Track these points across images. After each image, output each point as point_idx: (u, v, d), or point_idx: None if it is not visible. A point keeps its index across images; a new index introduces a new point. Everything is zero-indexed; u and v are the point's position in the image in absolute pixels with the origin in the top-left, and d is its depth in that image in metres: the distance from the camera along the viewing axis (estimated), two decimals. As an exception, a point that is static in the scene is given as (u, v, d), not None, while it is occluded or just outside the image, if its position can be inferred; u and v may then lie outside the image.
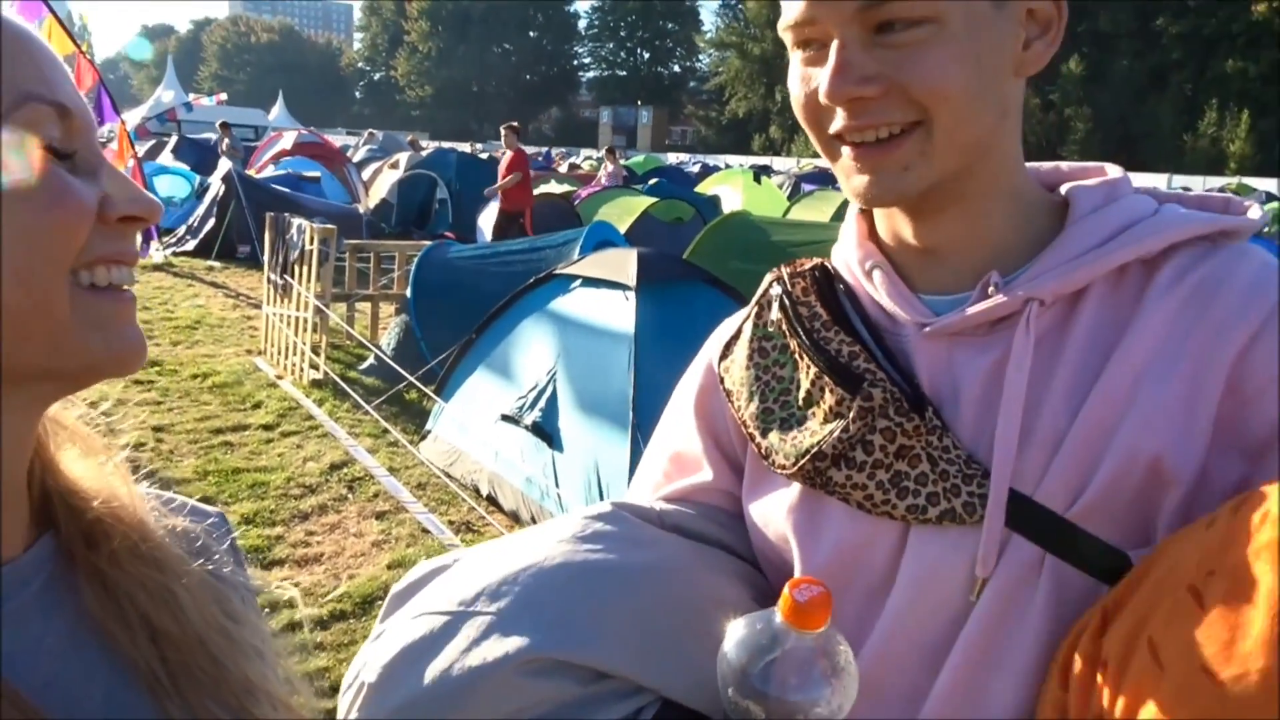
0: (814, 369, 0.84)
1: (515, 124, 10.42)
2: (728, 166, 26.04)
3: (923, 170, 0.75)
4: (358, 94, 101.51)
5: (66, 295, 0.56)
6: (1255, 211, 0.82)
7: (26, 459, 0.62)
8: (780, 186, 18.04)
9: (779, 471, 0.85)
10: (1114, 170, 0.86)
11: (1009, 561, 0.74)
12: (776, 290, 0.91)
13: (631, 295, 4.45)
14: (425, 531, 4.37)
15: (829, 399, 0.82)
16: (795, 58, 0.78)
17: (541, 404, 4.54)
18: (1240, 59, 47.16)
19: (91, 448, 0.69)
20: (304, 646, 3.39)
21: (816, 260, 0.93)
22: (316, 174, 14.36)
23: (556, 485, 4.24)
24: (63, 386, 0.61)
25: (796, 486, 0.85)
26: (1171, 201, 0.83)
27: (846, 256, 0.89)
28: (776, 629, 0.64)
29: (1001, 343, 0.78)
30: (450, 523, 4.49)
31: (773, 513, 0.87)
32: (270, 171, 14.66)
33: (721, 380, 0.93)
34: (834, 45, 0.73)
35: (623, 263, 4.68)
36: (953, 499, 0.76)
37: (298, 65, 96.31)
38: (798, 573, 0.85)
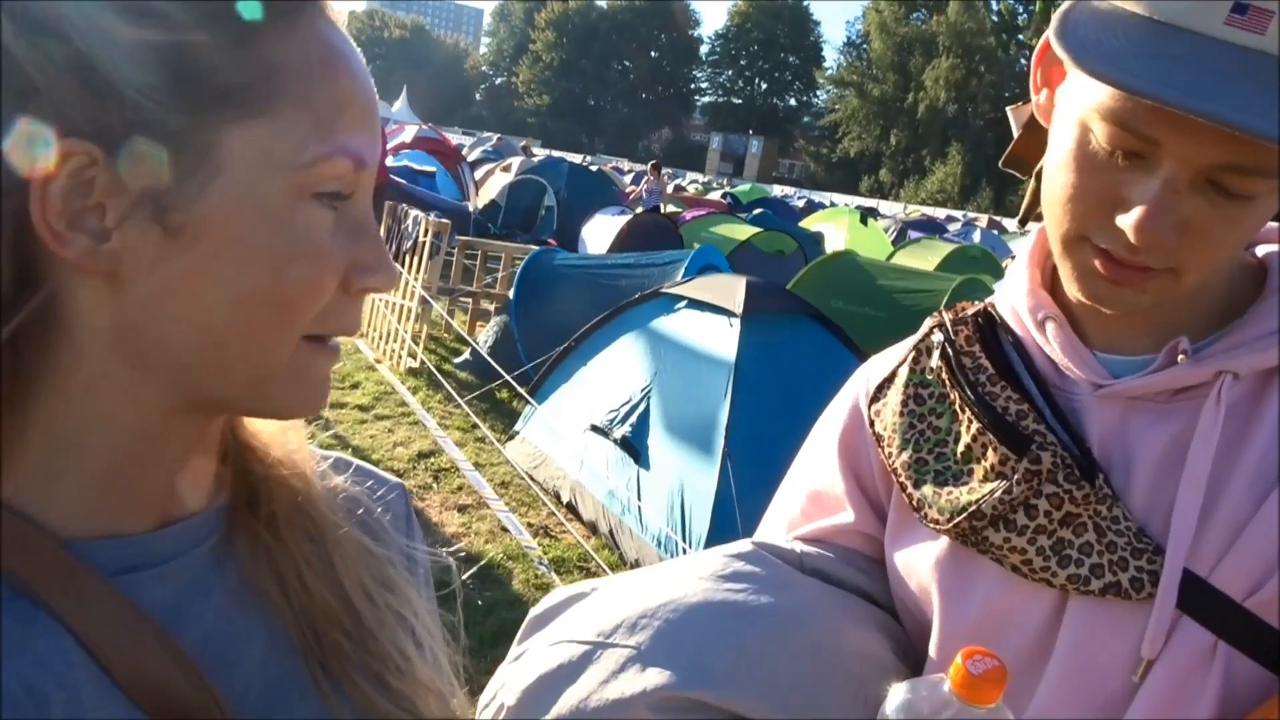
0: (976, 424, 0.81)
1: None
2: (833, 204, 25.86)
3: (1156, 296, 0.73)
4: (478, 96, 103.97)
5: (289, 353, 0.55)
6: None
7: (213, 430, 0.62)
8: (885, 230, 17.80)
9: (931, 526, 0.82)
10: None
11: (1178, 645, 0.71)
12: (938, 337, 0.88)
13: (736, 322, 4.44)
14: (504, 530, 4.42)
15: (991, 457, 0.79)
16: (1086, 141, 0.70)
17: (633, 419, 4.55)
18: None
19: None
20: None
21: (980, 305, 0.89)
22: (432, 169, 14.73)
23: (639, 501, 4.24)
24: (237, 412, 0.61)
25: (945, 540, 0.82)
26: None
27: (1015, 304, 0.85)
28: (944, 698, 0.62)
29: (1183, 413, 0.74)
30: (529, 525, 4.53)
31: (918, 564, 0.85)
32: (389, 162, 15.11)
33: (871, 424, 0.91)
34: (1162, 178, 0.67)
35: (731, 289, 4.67)
36: (1119, 572, 0.73)
37: (424, 62, 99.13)
38: (937, 629, 0.83)
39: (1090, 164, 0.71)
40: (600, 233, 11.44)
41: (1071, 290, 0.76)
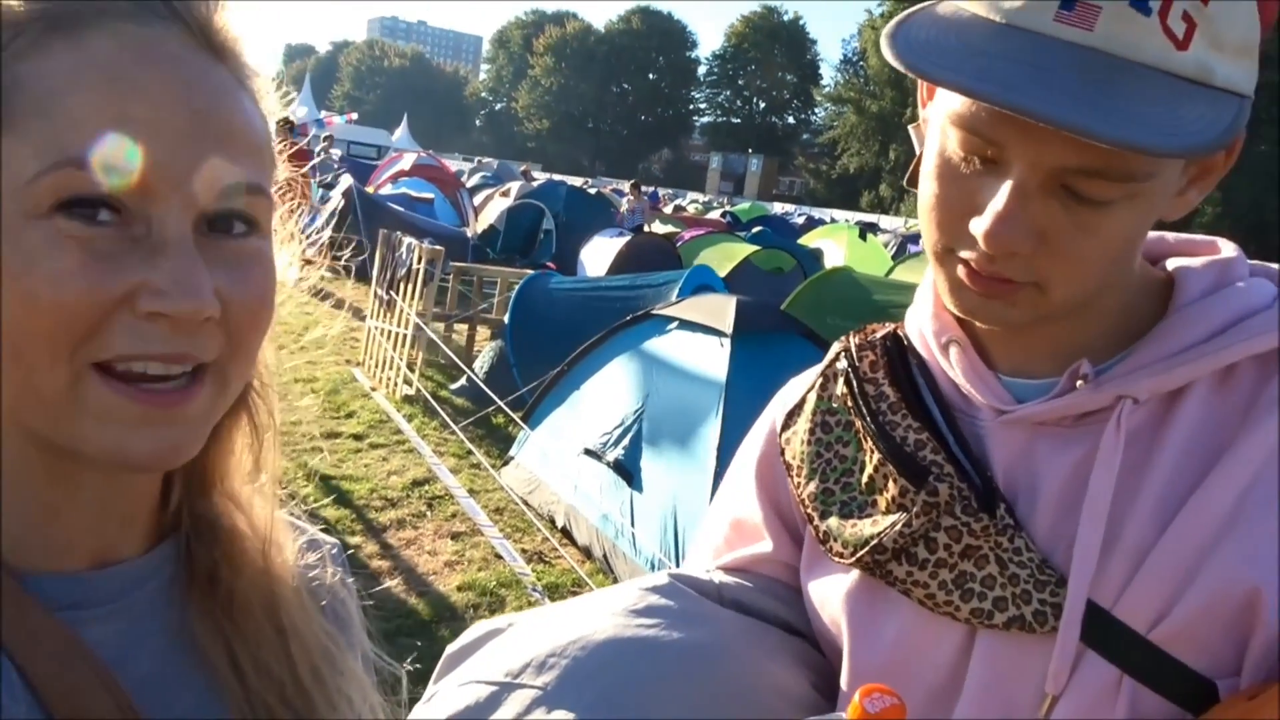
0: (878, 454, 0.78)
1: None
2: (833, 220, 25.91)
3: (1029, 314, 0.70)
4: (478, 122, 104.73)
5: (64, 378, 0.51)
6: None
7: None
8: (885, 245, 17.81)
9: (836, 560, 0.80)
10: (1227, 248, 0.77)
11: (1083, 680, 0.68)
12: (843, 364, 0.85)
13: (727, 342, 4.41)
14: (498, 557, 4.38)
15: (892, 488, 0.77)
16: (947, 148, 0.68)
17: (625, 442, 4.52)
18: (1388, 152, 44.78)
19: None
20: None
21: (890, 328, 0.87)
22: (430, 195, 14.79)
23: (632, 525, 4.20)
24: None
25: (856, 572, 0.80)
26: None
27: (921, 326, 0.83)
28: None
29: (1088, 438, 0.71)
30: (524, 551, 4.49)
31: (829, 596, 0.82)
32: (388, 190, 15.17)
33: (782, 451, 0.88)
34: (1009, 184, 0.64)
35: (721, 309, 4.65)
36: (1022, 606, 0.70)
37: (424, 91, 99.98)
38: (846, 663, 0.80)
39: (949, 173, 0.69)
40: (599, 255, 11.46)
41: (948, 304, 0.74)
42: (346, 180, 12.57)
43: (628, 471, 4.40)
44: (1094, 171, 0.62)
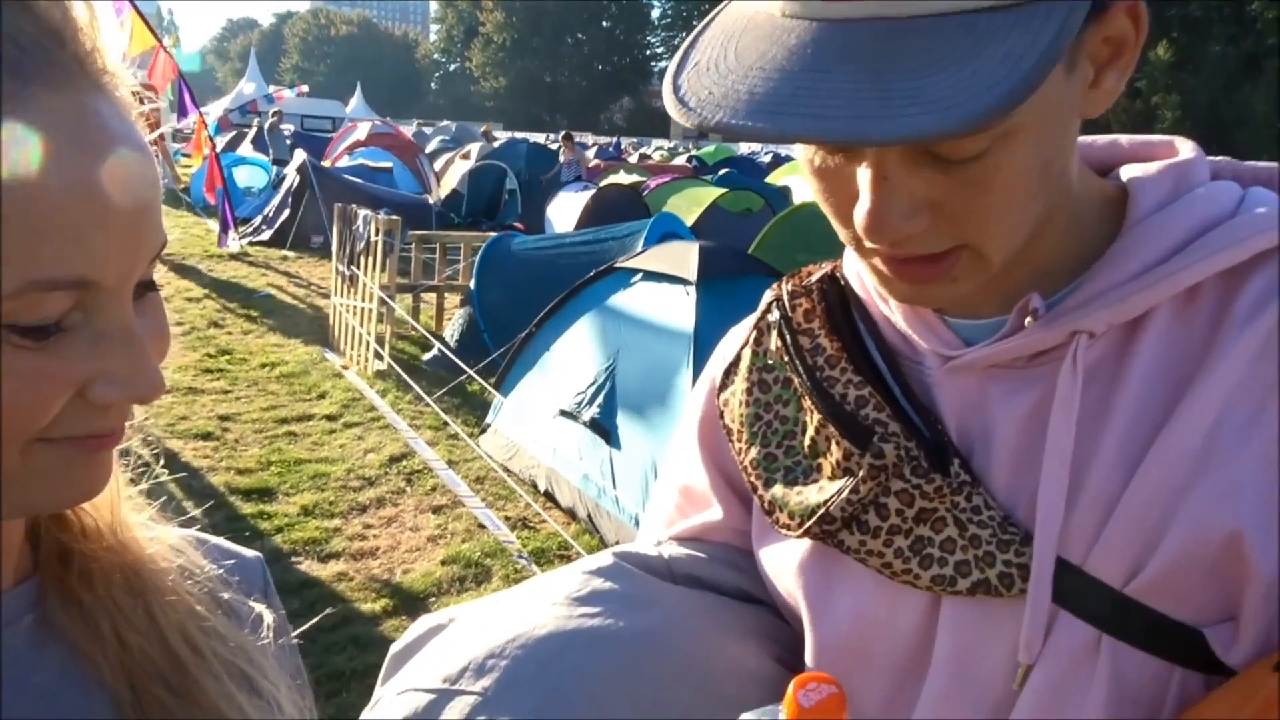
0: (818, 415, 0.71)
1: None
2: (800, 156, 25.57)
3: (976, 276, 0.61)
4: (433, 85, 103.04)
5: (18, 458, 0.50)
6: None
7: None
8: (853, 177, 17.62)
9: (783, 531, 0.74)
10: (1185, 147, 0.69)
11: (1058, 644, 0.62)
12: (775, 315, 0.77)
13: (692, 290, 4.34)
14: (481, 527, 4.34)
15: (836, 451, 0.70)
16: (805, 153, 0.62)
17: (600, 400, 4.46)
18: (1344, 42, 44.76)
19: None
20: (356, 641, 3.38)
21: (826, 268, 0.78)
22: (388, 164, 14.52)
23: (614, 484, 4.16)
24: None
25: (808, 540, 0.73)
26: (1260, 184, 0.66)
27: (858, 266, 0.74)
28: None
29: (1044, 379, 0.64)
30: (507, 519, 4.44)
31: (782, 568, 0.76)
32: (345, 162, 14.89)
33: (721, 414, 0.81)
34: (866, 175, 0.57)
35: (684, 256, 4.57)
36: (986, 569, 0.63)
37: (375, 58, 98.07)
38: (809, 640, 0.74)
39: (817, 170, 0.61)
40: (565, 211, 11.30)
41: (885, 294, 0.66)
42: (300, 156, 12.32)
43: (604, 429, 4.35)
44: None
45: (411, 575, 3.87)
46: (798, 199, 11.68)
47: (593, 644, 0.70)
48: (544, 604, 0.74)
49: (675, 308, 4.39)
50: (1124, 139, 0.72)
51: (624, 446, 4.23)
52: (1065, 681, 0.61)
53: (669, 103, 0.57)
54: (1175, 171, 0.66)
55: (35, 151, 0.45)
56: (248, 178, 13.65)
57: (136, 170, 0.49)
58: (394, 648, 0.79)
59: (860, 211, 0.58)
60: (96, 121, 0.48)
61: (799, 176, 15.13)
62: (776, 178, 15.93)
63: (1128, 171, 0.69)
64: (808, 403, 0.73)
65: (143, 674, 0.60)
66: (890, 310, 0.71)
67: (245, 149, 16.99)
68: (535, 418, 4.83)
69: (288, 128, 19.09)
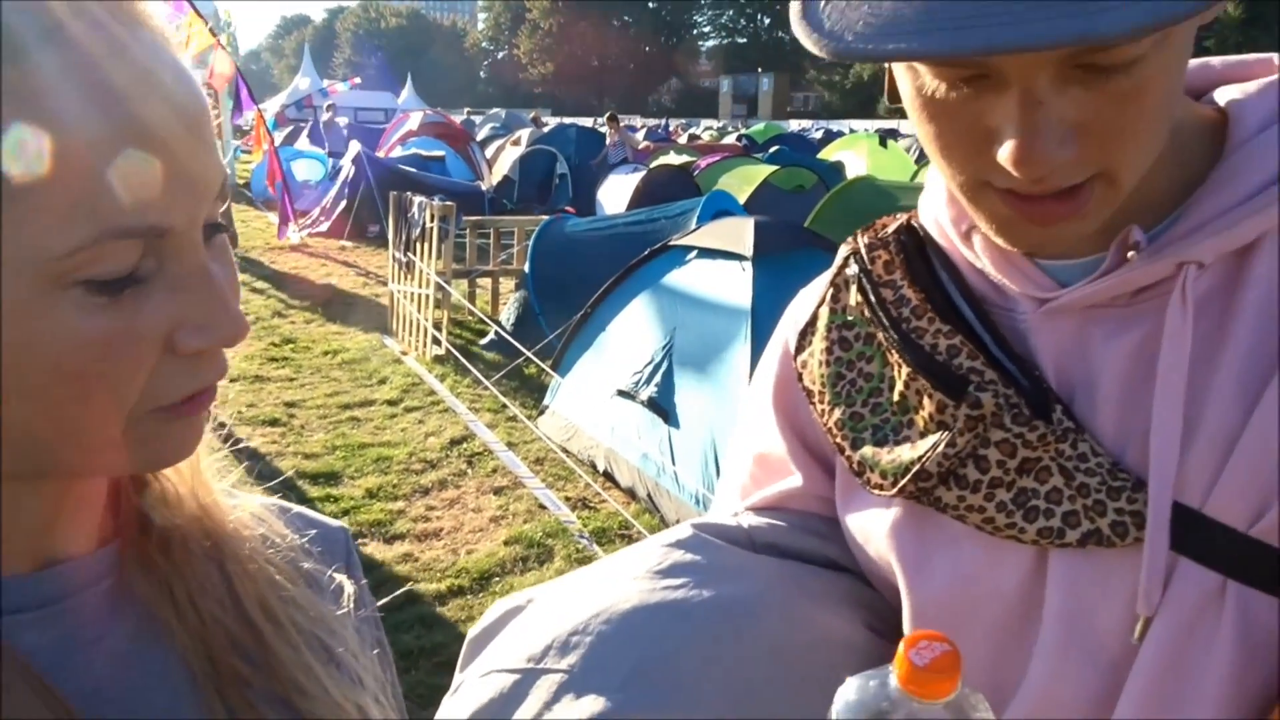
0: (906, 368, 0.68)
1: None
2: (851, 131, 25.31)
3: (1102, 212, 0.58)
4: (482, 74, 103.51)
5: (117, 430, 0.50)
6: None
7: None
8: (908, 150, 17.35)
9: (876, 492, 0.71)
10: None
11: (1179, 593, 0.59)
12: (853, 269, 0.74)
13: (748, 266, 4.30)
14: (542, 508, 4.37)
15: (928, 405, 0.67)
16: (922, 81, 0.57)
17: (657, 379, 4.45)
18: None
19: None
20: (423, 620, 3.43)
21: (902, 219, 0.75)
22: (441, 153, 14.63)
23: (673, 462, 4.16)
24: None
25: (900, 501, 0.70)
26: None
27: (937, 214, 0.71)
28: (894, 695, 0.51)
29: (1148, 315, 0.61)
30: (567, 499, 4.47)
31: (872, 530, 0.73)
32: (398, 152, 15.04)
33: (800, 376, 0.78)
34: (1016, 96, 0.53)
35: (739, 232, 4.53)
36: (1097, 518, 0.61)
37: (425, 48, 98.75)
38: (906, 604, 0.71)
39: (939, 108, 0.57)
40: (616, 193, 11.29)
41: (1000, 243, 0.63)
42: (355, 147, 12.47)
43: (662, 409, 4.34)
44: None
45: (475, 555, 3.91)
46: (851, 174, 11.51)
47: (679, 616, 0.68)
48: (625, 579, 0.72)
49: (732, 284, 4.35)
50: (1215, 61, 0.69)
51: (682, 425, 4.22)
52: (1188, 632, 0.59)
53: (800, 32, 0.54)
54: (1277, 90, 0.62)
55: (45, 146, 0.44)
56: (305, 171, 13.86)
57: (185, 104, 0.49)
58: (471, 633, 0.78)
59: (1008, 144, 0.54)
60: (141, 60, 0.47)
61: (852, 152, 14.97)
62: (829, 153, 15.72)
63: (1224, 94, 0.65)
64: (894, 356, 0.70)
65: (219, 642, 0.60)
66: (976, 256, 0.68)
67: (302, 143, 17.25)
68: (593, 398, 4.84)
69: (343, 119, 19.33)
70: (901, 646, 0.51)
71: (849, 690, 0.55)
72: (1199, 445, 0.58)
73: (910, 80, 0.58)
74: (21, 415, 0.49)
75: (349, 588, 0.71)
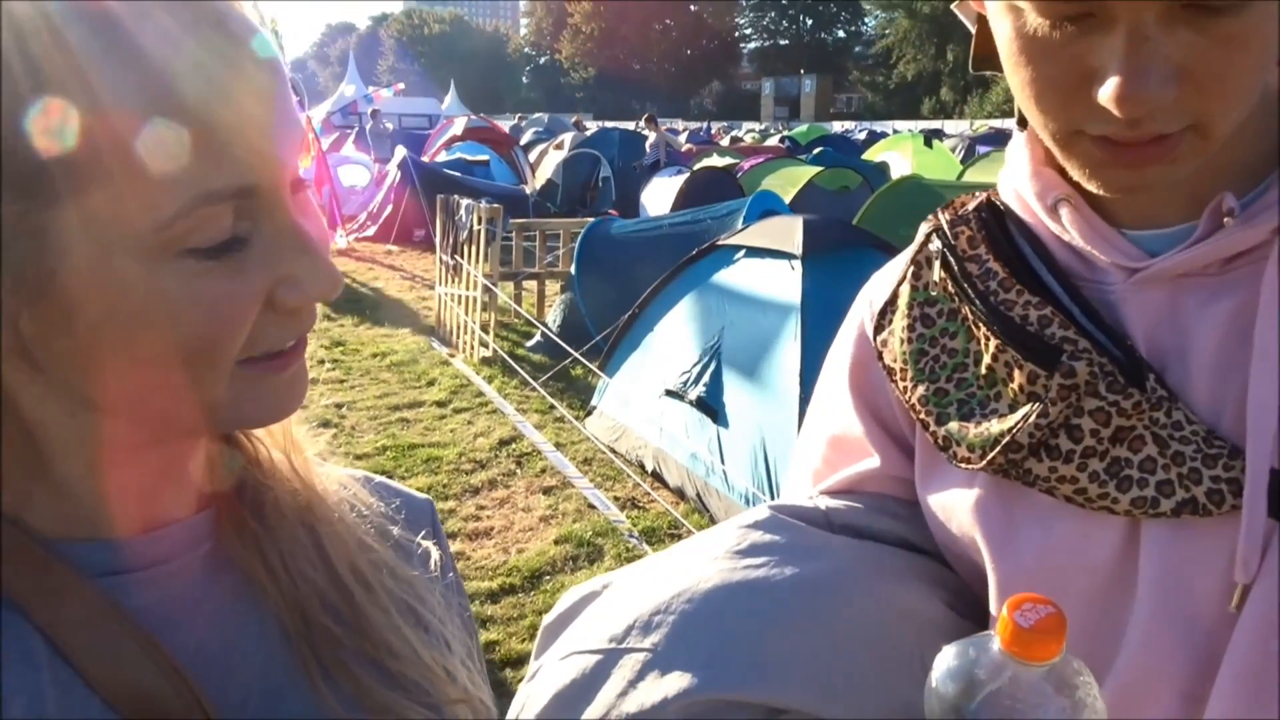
0: (995, 341, 0.68)
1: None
2: (895, 132, 25.09)
3: (1191, 161, 0.59)
4: (524, 79, 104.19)
5: (222, 385, 0.53)
6: None
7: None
8: (953, 150, 17.16)
9: (963, 466, 0.70)
10: None
11: (1277, 562, 0.58)
12: (936, 244, 0.75)
13: (798, 264, 4.28)
14: (591, 507, 4.38)
15: (1019, 376, 0.67)
16: (1024, 23, 0.58)
17: (706, 379, 4.44)
18: None
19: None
20: (476, 618, 3.45)
21: (982, 197, 0.75)
22: (485, 158, 14.75)
23: (722, 461, 4.14)
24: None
25: (983, 476, 0.70)
26: None
27: (1020, 189, 0.71)
28: (996, 659, 0.51)
29: (1242, 285, 0.61)
30: (616, 499, 4.47)
31: (956, 507, 0.73)
32: (443, 157, 15.19)
33: (880, 355, 0.78)
34: (1123, 31, 0.53)
35: (788, 231, 4.51)
36: (1193, 486, 0.60)
37: (468, 53, 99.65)
38: (992, 580, 0.70)
39: (1039, 50, 0.57)
40: (660, 195, 11.29)
41: (1092, 188, 0.62)
42: (401, 152, 12.61)
43: (711, 408, 4.33)
44: None
45: (526, 554, 3.93)
46: (896, 174, 11.40)
47: (761, 593, 0.68)
48: (704, 560, 0.72)
49: (781, 282, 4.33)
50: None
51: (731, 424, 4.21)
52: None
53: None
54: None
55: (73, 124, 0.45)
56: (351, 176, 14.05)
57: (267, 65, 0.50)
58: (546, 619, 0.78)
59: (1114, 82, 0.54)
60: (226, 26, 0.48)
61: (896, 153, 14.84)
62: (873, 154, 15.60)
63: None
64: (981, 330, 0.70)
65: (312, 604, 0.61)
66: (1064, 228, 0.68)
67: (348, 149, 17.49)
68: (640, 398, 4.84)
69: (389, 125, 19.57)
70: (1005, 608, 0.50)
71: (947, 657, 0.54)
72: None
73: (1011, 21, 0.58)
74: (137, 384, 0.51)
75: (435, 554, 0.72)
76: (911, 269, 0.77)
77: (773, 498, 3.75)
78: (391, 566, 0.67)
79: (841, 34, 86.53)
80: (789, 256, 4.37)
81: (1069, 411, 0.64)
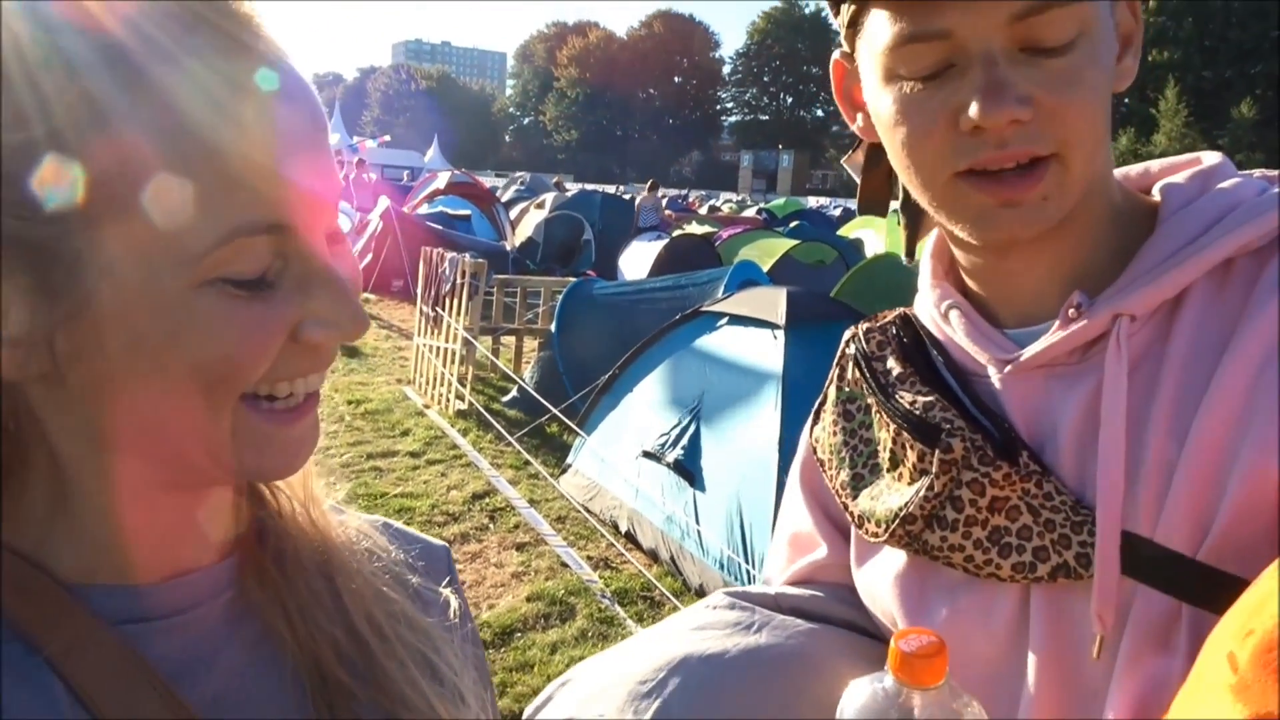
0: (892, 425, 0.78)
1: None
2: (871, 210, 25.48)
3: (1060, 202, 0.67)
4: (508, 138, 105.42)
5: (229, 417, 0.53)
6: None
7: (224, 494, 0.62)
8: (926, 231, 17.50)
9: (873, 540, 0.79)
10: (1210, 157, 0.75)
11: (1139, 617, 0.64)
12: (852, 349, 0.86)
13: (780, 334, 4.36)
14: (564, 565, 4.36)
15: (911, 456, 0.76)
16: (901, 90, 0.68)
17: (684, 442, 4.48)
18: None
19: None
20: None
21: (899, 311, 0.87)
22: (467, 212, 14.88)
23: (697, 524, 4.16)
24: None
25: (900, 555, 0.78)
26: None
27: (922, 298, 0.83)
28: (893, 688, 0.58)
29: (1096, 370, 0.69)
30: (589, 558, 4.46)
31: (878, 585, 0.81)
32: (425, 209, 15.30)
33: (814, 450, 0.88)
34: (977, 63, 0.64)
35: (772, 301, 4.60)
36: (1063, 551, 0.68)
37: (453, 110, 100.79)
38: None
39: (914, 107, 0.68)
40: (637, 260, 11.44)
41: (978, 238, 0.71)
42: (384, 202, 12.70)
43: (688, 471, 4.36)
44: (1042, 5, 0.62)
45: (497, 610, 3.90)
46: (870, 251, 11.64)
47: (708, 661, 0.75)
48: (658, 638, 0.80)
49: (763, 351, 4.40)
50: (1155, 164, 0.80)
51: (708, 488, 4.23)
52: (1150, 654, 0.63)
53: None
54: (1202, 174, 0.73)
55: (78, 183, 0.46)
56: (333, 223, 14.06)
57: (308, 113, 0.52)
58: (528, 711, 0.84)
59: (975, 98, 0.64)
60: (268, 70, 0.51)
61: (871, 230, 15.16)
62: (848, 230, 15.91)
63: (1159, 185, 0.75)
64: (884, 417, 0.79)
65: (327, 655, 0.61)
66: (954, 330, 0.77)
67: (330, 196, 17.49)
68: (617, 459, 4.86)
69: (372, 175, 19.70)
70: (893, 640, 0.58)
71: (856, 689, 0.62)
72: (1144, 478, 0.65)
73: (892, 94, 0.69)
74: (152, 414, 0.52)
75: (454, 602, 0.73)
76: (836, 371, 0.88)
77: (748, 562, 3.77)
78: (409, 618, 0.67)
79: (820, 113, 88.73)
80: (773, 326, 4.45)
81: (951, 484, 0.72)
